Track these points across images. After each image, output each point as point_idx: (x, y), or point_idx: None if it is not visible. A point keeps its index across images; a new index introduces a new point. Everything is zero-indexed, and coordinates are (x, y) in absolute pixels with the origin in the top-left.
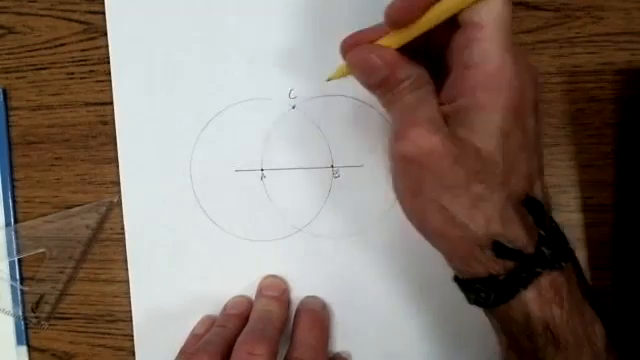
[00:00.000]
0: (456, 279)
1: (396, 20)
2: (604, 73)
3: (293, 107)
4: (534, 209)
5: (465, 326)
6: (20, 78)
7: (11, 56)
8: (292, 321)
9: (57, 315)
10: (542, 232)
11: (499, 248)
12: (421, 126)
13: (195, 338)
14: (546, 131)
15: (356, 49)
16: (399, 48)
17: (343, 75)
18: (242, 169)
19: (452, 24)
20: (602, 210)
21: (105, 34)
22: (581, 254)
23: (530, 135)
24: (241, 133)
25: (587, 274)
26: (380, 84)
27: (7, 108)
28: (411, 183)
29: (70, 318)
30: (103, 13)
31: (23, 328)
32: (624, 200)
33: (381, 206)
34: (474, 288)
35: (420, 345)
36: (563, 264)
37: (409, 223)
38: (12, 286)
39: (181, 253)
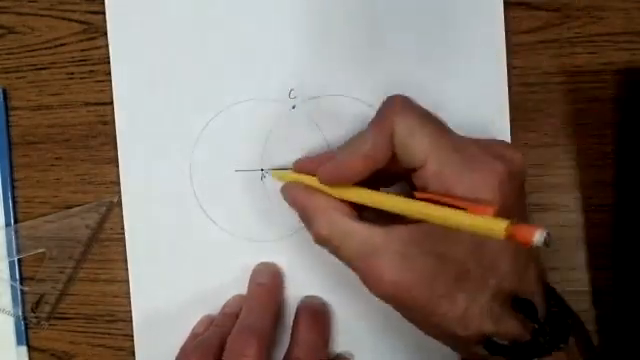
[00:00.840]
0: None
1: (326, 181)
2: (604, 73)
3: (293, 107)
4: (523, 308)
5: None
6: (20, 78)
7: (11, 56)
8: (292, 320)
9: (57, 315)
10: (536, 326)
11: (491, 346)
12: (389, 262)
13: (195, 337)
14: (546, 131)
15: (287, 185)
16: None
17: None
18: (242, 169)
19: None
20: (602, 210)
21: (105, 34)
22: (581, 254)
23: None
24: (241, 133)
25: (587, 274)
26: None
27: (7, 108)
28: (403, 313)
29: (70, 318)
30: (103, 13)
31: (23, 328)
32: (624, 200)
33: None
34: None
35: (421, 345)
36: (562, 345)
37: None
38: (12, 286)
39: (181, 253)
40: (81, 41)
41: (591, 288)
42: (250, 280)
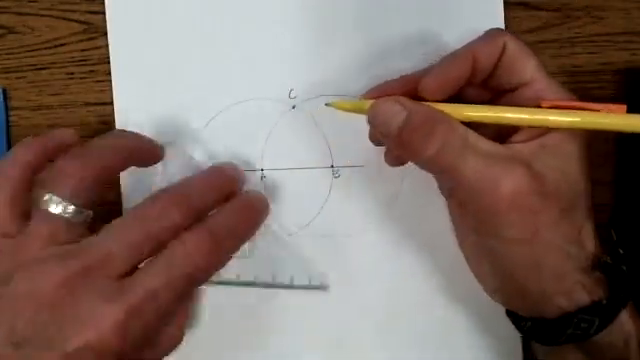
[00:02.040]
0: (538, 325)
1: (431, 92)
2: (604, 73)
3: (293, 107)
4: (619, 229)
5: (466, 326)
6: (20, 78)
7: (11, 56)
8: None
9: None
10: (621, 250)
11: (606, 267)
12: (513, 169)
13: None
14: None
15: (383, 98)
16: None
17: (349, 110)
18: (242, 169)
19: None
20: (602, 210)
21: (105, 34)
22: None
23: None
24: (241, 133)
25: None
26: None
27: (7, 108)
28: (521, 229)
29: None
30: (103, 13)
31: None
32: (624, 200)
33: (381, 206)
34: (574, 322)
35: (420, 344)
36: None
37: (409, 223)
38: None
39: None
40: (81, 41)
41: None
42: (212, 167)
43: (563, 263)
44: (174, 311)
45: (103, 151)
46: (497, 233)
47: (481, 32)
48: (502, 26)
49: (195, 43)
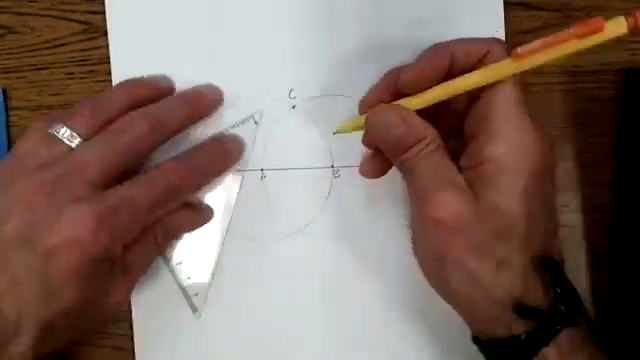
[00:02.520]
0: (475, 340)
1: (408, 85)
2: (604, 73)
3: (293, 107)
4: (552, 269)
5: (465, 326)
6: (20, 78)
7: (11, 56)
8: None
9: None
10: (558, 290)
11: (521, 309)
12: (448, 190)
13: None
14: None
15: (376, 108)
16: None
17: (353, 130)
18: (242, 169)
19: (469, 94)
20: (602, 210)
21: (105, 34)
22: (581, 254)
23: (548, 201)
24: (241, 133)
25: (587, 274)
26: (398, 142)
27: (7, 108)
28: (437, 246)
29: None
30: (103, 13)
31: None
32: (624, 200)
33: (381, 206)
34: (495, 349)
35: (420, 344)
36: (579, 320)
37: (408, 223)
38: None
39: (181, 253)
40: (81, 41)
41: (591, 288)
42: (192, 88)
43: (474, 291)
44: (146, 232)
45: (116, 100)
46: (420, 247)
47: (481, 32)
48: (502, 26)
49: (195, 43)
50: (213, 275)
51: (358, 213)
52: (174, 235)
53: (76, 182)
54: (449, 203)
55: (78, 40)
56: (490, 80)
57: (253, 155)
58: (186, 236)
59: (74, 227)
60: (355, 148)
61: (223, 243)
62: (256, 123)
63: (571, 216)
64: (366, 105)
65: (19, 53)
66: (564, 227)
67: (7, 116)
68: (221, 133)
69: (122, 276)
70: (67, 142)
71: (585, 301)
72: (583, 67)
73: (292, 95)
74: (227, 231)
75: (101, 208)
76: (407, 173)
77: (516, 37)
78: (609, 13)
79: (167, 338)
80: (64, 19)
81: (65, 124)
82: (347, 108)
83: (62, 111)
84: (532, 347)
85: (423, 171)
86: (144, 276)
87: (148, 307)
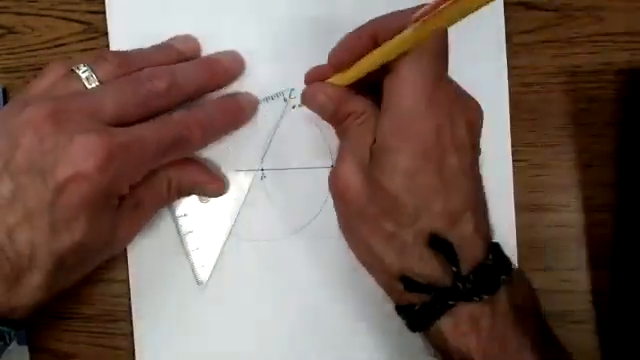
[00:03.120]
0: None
1: (335, 63)
2: (604, 73)
3: (293, 107)
4: (442, 248)
5: None
6: (20, 78)
7: (11, 56)
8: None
9: (57, 315)
10: (454, 269)
11: (408, 282)
12: (349, 164)
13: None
14: (546, 131)
15: (307, 88)
16: (353, 85)
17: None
18: (242, 169)
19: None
20: (602, 210)
21: (105, 34)
22: (581, 254)
23: (448, 175)
24: (241, 133)
25: (587, 274)
26: (330, 118)
27: None
28: (341, 215)
29: (70, 318)
30: (103, 13)
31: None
32: (624, 200)
33: None
34: (399, 314)
35: (420, 344)
36: (485, 297)
37: None
38: None
39: (181, 253)
40: (81, 41)
41: (591, 288)
42: (214, 53)
43: (371, 260)
44: (160, 175)
45: (145, 59)
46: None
47: (481, 32)
48: (502, 26)
49: None
50: (222, 249)
51: None
52: (186, 190)
53: (89, 116)
54: (348, 176)
55: (78, 40)
56: (396, 50)
57: (253, 155)
58: (199, 206)
59: (85, 157)
60: None
61: (232, 228)
62: (285, 100)
63: (571, 216)
64: (308, 79)
65: (19, 53)
66: (564, 227)
67: None
68: None
69: (132, 212)
70: (85, 82)
71: (585, 301)
72: (583, 67)
73: (292, 95)
74: (230, 227)
75: (112, 141)
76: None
77: (516, 37)
78: (609, 13)
79: (167, 338)
80: (64, 19)
81: (88, 65)
82: None
83: (86, 53)
84: (424, 319)
85: (343, 143)
86: (144, 276)
87: (148, 307)
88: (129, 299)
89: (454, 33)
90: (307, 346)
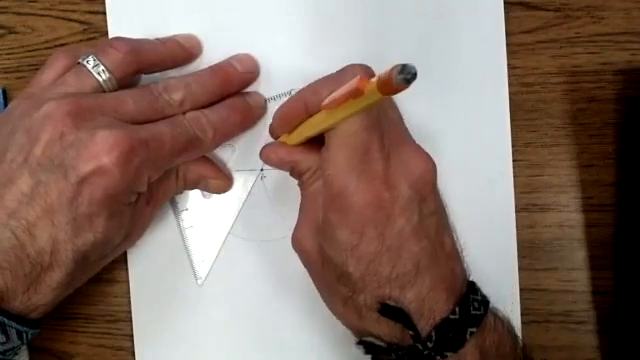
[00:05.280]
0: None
1: (276, 133)
2: (604, 73)
3: None
4: (394, 315)
5: None
6: (20, 78)
7: (11, 56)
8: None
9: (57, 315)
10: (411, 332)
11: (367, 345)
12: (305, 227)
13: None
14: (546, 131)
15: (264, 148)
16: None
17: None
18: (242, 169)
19: None
20: (603, 210)
21: (105, 34)
22: (581, 254)
23: (395, 238)
24: (243, 133)
25: (587, 274)
26: (292, 175)
27: None
28: (308, 272)
29: (70, 318)
30: (103, 13)
31: None
32: (624, 200)
33: None
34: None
35: None
36: (447, 354)
37: None
38: None
39: (181, 253)
40: (81, 41)
41: (591, 288)
42: (229, 58)
43: (335, 313)
44: (169, 169)
45: (152, 50)
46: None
47: (481, 32)
48: (502, 26)
49: None
50: (222, 246)
51: None
52: (192, 182)
53: (109, 114)
54: (305, 240)
55: (78, 40)
56: (320, 126)
57: (254, 155)
58: (201, 202)
59: (107, 151)
60: None
61: (232, 226)
62: None
63: (571, 216)
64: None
65: (19, 53)
66: (564, 227)
67: None
68: None
69: (145, 206)
70: (95, 75)
71: (585, 301)
72: (583, 67)
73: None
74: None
75: (134, 136)
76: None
77: (516, 37)
78: (609, 13)
79: (167, 338)
80: (64, 19)
81: (96, 56)
82: None
83: (91, 44)
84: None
85: (302, 201)
86: (144, 276)
87: (148, 307)
88: (129, 299)
89: (454, 33)
90: (307, 346)
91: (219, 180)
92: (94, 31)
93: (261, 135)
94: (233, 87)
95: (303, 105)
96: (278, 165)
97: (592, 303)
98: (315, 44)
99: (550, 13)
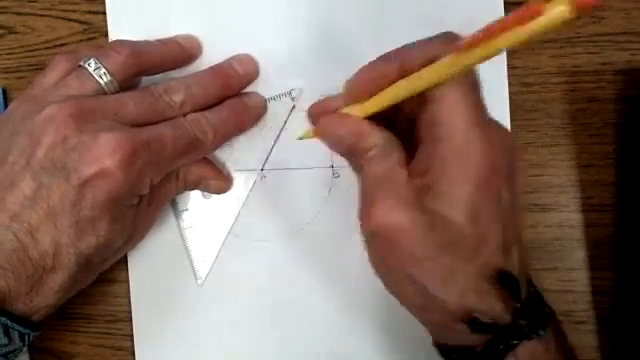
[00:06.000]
0: (436, 344)
1: (354, 93)
2: (604, 73)
3: (293, 107)
4: (508, 283)
5: None
6: (20, 78)
7: (11, 56)
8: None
9: (57, 315)
10: (517, 305)
11: (474, 323)
12: (388, 201)
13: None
14: (546, 131)
15: (323, 118)
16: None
17: (313, 137)
18: (242, 169)
19: (419, 97)
20: (602, 210)
21: (105, 34)
22: (581, 254)
23: (503, 207)
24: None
25: (587, 274)
26: (347, 152)
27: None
28: (383, 258)
29: (70, 318)
30: (103, 13)
31: None
32: (624, 200)
33: None
34: (452, 357)
35: (420, 344)
36: (541, 332)
37: None
38: None
39: (181, 253)
40: (81, 41)
41: (591, 288)
42: (229, 59)
43: (426, 302)
44: (162, 183)
45: (153, 52)
46: (368, 252)
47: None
48: None
49: None
50: (222, 246)
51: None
52: (192, 183)
53: (111, 117)
54: (391, 215)
55: (78, 40)
56: (434, 80)
57: (253, 155)
58: (201, 202)
59: (110, 153)
60: None
61: (232, 226)
62: (292, 99)
63: (571, 216)
64: (315, 114)
65: (19, 53)
66: (564, 227)
67: None
68: None
69: (147, 208)
70: (97, 77)
71: (585, 301)
72: (583, 67)
73: (292, 95)
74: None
75: (136, 139)
76: (358, 179)
77: None
78: (609, 13)
79: (167, 338)
80: (64, 19)
81: (97, 59)
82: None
83: (91, 46)
84: (487, 357)
85: (369, 179)
86: (144, 276)
87: (148, 307)
88: (129, 299)
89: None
90: (306, 345)
91: (219, 181)
92: (94, 31)
93: (261, 135)
94: (233, 89)
95: (398, 65)
96: (341, 138)
97: (592, 303)
98: (315, 44)
99: None
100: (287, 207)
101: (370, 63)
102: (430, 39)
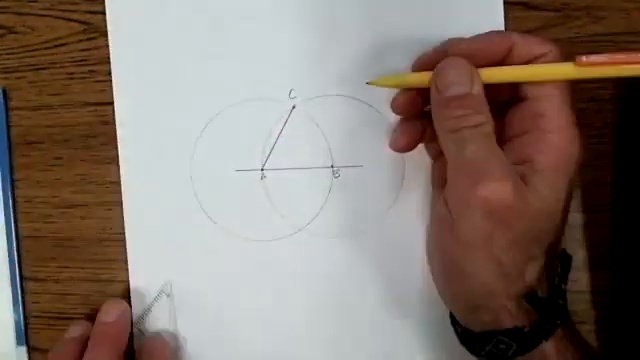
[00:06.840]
0: (465, 333)
1: (466, 52)
2: None
3: (293, 107)
4: (565, 264)
5: None
6: (20, 78)
7: (11, 56)
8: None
9: (57, 315)
10: (564, 286)
11: (534, 300)
12: (507, 179)
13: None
14: None
15: (451, 58)
16: None
17: (385, 86)
18: (242, 169)
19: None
20: (601, 210)
21: (105, 34)
22: (580, 254)
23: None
24: (241, 133)
25: (586, 274)
26: (458, 100)
27: (7, 108)
28: (476, 232)
29: (70, 318)
30: (103, 13)
31: (23, 328)
32: (623, 200)
33: (381, 206)
34: (494, 340)
35: (420, 345)
36: (565, 321)
37: (408, 223)
38: (12, 286)
39: (181, 253)
40: (81, 41)
41: (591, 288)
42: (97, 318)
43: (495, 282)
44: None
45: (116, 334)
46: (455, 229)
47: (481, 32)
48: (502, 26)
49: (195, 43)
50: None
51: (358, 213)
52: None
53: None
54: (505, 193)
55: (78, 40)
56: (551, 78)
57: (253, 155)
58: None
59: None
60: (355, 148)
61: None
62: (168, 296)
63: (571, 216)
64: (419, 65)
65: (19, 53)
66: None
67: (7, 116)
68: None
69: None
70: None
71: (585, 301)
72: None
73: (292, 95)
74: (227, 231)
75: None
76: (459, 143)
77: None
78: (609, 13)
79: (167, 338)
80: (64, 19)
81: None
82: (347, 108)
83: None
84: (534, 340)
85: (480, 149)
86: (144, 276)
87: (148, 307)
88: (129, 299)
89: (454, 33)
90: (306, 345)
91: None
92: (94, 31)
93: (261, 135)
94: (124, 336)
95: (508, 46)
96: (458, 81)
97: (591, 303)
98: (315, 44)
99: (550, 13)
100: (287, 207)
101: (482, 36)
102: (538, 38)
